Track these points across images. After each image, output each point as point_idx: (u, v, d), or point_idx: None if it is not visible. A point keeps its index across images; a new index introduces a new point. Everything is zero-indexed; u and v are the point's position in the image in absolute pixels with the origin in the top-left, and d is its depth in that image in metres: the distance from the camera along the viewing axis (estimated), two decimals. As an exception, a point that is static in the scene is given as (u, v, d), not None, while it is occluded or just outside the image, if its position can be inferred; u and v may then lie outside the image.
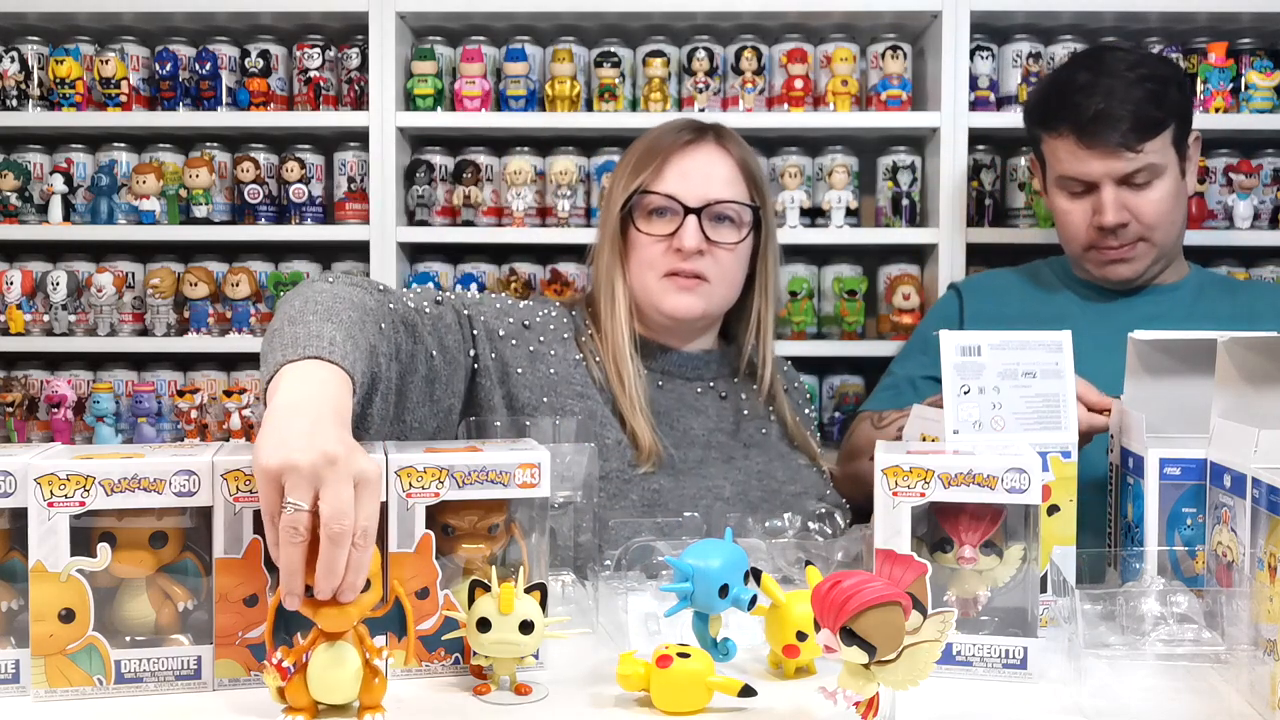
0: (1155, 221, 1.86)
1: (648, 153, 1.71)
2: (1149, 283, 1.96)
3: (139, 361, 2.59)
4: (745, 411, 1.76)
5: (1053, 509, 1.28)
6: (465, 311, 1.62)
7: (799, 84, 2.46)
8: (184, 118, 2.49)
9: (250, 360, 2.56)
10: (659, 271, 1.68)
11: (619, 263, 1.71)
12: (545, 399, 1.63)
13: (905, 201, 2.51)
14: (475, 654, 1.11)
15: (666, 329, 1.73)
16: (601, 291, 1.72)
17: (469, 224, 2.50)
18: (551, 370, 1.65)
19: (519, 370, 1.63)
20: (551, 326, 1.70)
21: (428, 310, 1.56)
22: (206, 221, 2.50)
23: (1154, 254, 1.90)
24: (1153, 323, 1.58)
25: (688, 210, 1.66)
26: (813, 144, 2.57)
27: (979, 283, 2.16)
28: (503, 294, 1.78)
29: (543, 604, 1.10)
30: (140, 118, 2.50)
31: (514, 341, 1.65)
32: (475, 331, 1.62)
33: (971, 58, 2.42)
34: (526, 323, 1.68)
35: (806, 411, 1.92)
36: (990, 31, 2.49)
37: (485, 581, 1.10)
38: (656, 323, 1.72)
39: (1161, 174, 1.85)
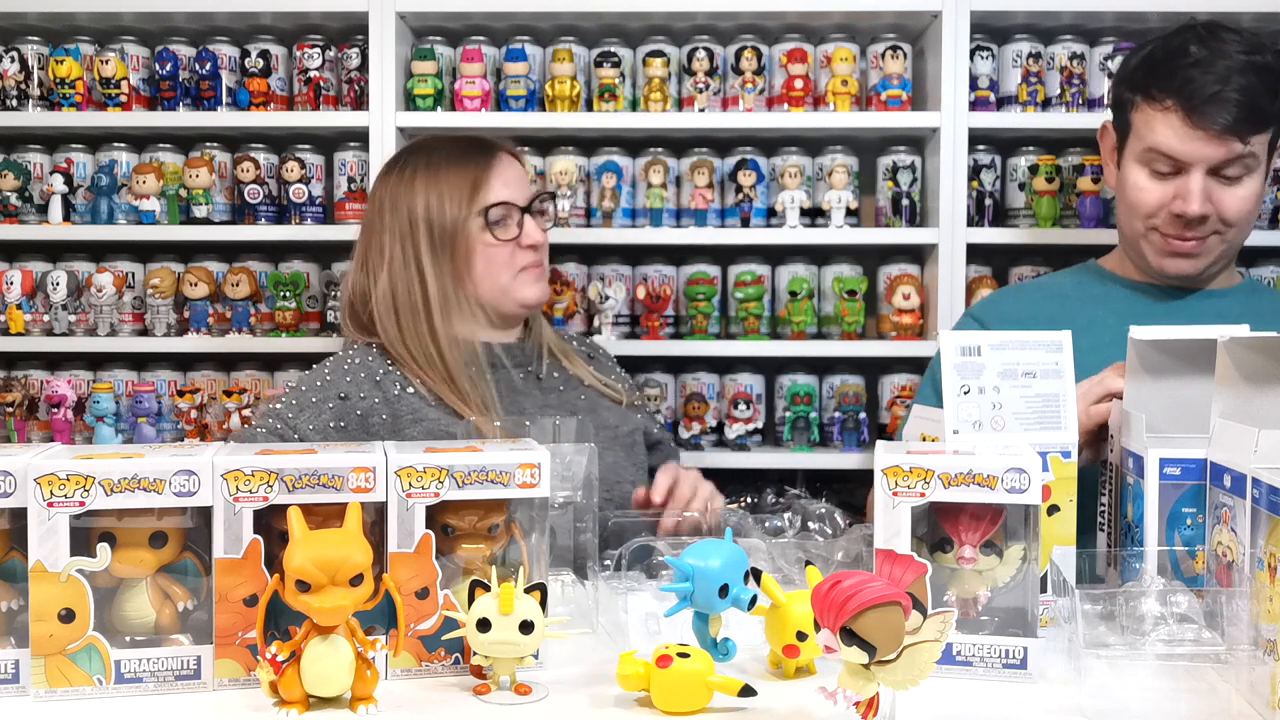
0: (1237, 219, 1.76)
1: (459, 179, 1.83)
2: (1201, 285, 1.86)
3: (139, 361, 2.59)
4: (561, 387, 1.92)
5: (1053, 509, 1.29)
6: (295, 434, 1.74)
7: (799, 84, 2.46)
8: (184, 118, 2.49)
9: (250, 360, 2.56)
10: (513, 270, 1.84)
11: (453, 281, 1.81)
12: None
13: (905, 201, 2.51)
14: (475, 654, 1.11)
15: (494, 325, 1.88)
16: (436, 312, 1.80)
17: (469, 224, 2.50)
18: (384, 415, 1.77)
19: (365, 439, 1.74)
20: (363, 375, 1.81)
21: None
22: (206, 221, 2.50)
23: (1220, 251, 1.79)
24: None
25: (523, 210, 1.85)
26: (813, 144, 2.57)
27: (997, 307, 2.02)
28: (304, 389, 1.80)
29: (543, 604, 1.10)
30: (140, 118, 2.50)
31: (341, 422, 1.76)
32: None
33: (971, 58, 2.42)
34: (343, 395, 1.78)
35: (619, 370, 2.10)
36: (990, 31, 2.49)
37: (485, 581, 1.10)
38: (504, 318, 1.88)
39: (1254, 170, 1.75)
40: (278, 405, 1.78)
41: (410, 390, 1.78)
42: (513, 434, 1.52)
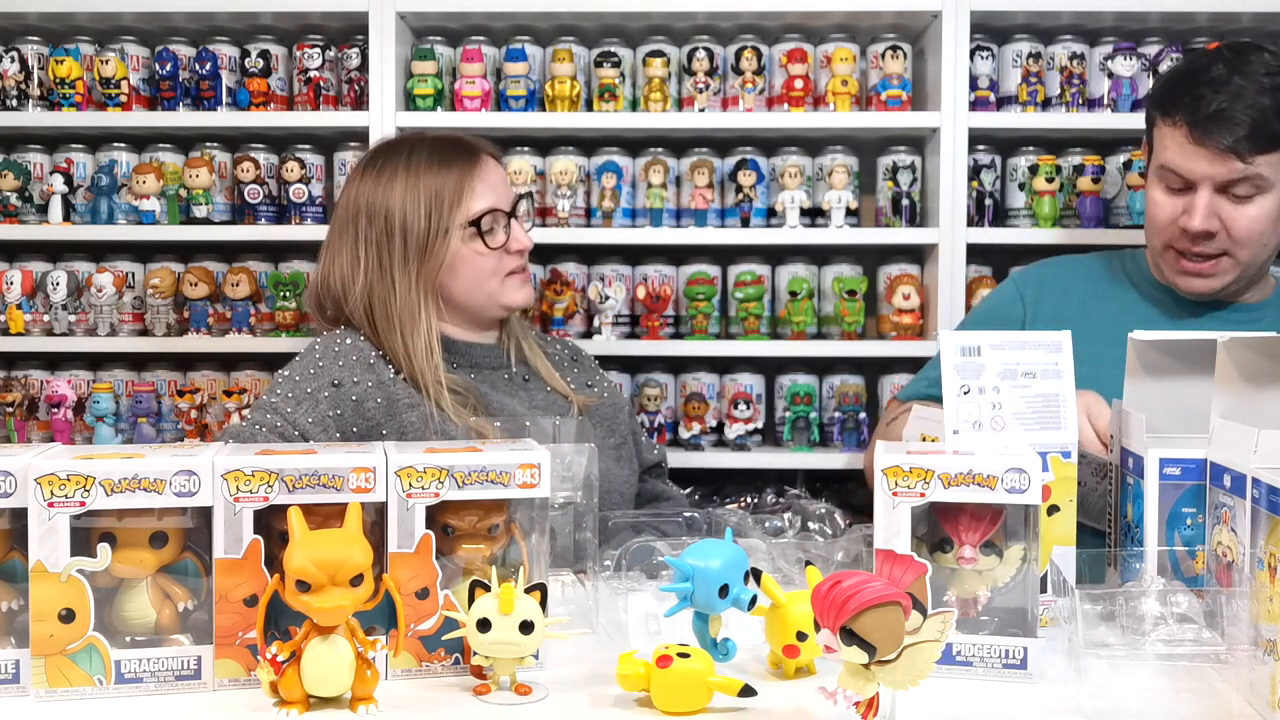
0: (1245, 238, 1.75)
1: (440, 186, 1.77)
2: (1229, 299, 1.86)
3: (139, 361, 2.59)
4: (548, 387, 1.90)
5: (1053, 509, 1.28)
6: (295, 431, 1.69)
7: (799, 84, 2.46)
8: (184, 118, 2.49)
9: (250, 360, 2.56)
10: (500, 276, 1.81)
11: (428, 290, 1.77)
12: (385, 431, 1.71)
13: (905, 201, 2.51)
14: (475, 654, 1.11)
15: (474, 326, 1.86)
16: (406, 323, 1.76)
17: (469, 224, 2.50)
18: (379, 399, 1.73)
19: (354, 429, 1.72)
20: (354, 358, 1.76)
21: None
22: (206, 221, 2.50)
23: (1236, 272, 1.79)
24: None
25: (508, 215, 1.81)
26: (813, 144, 2.57)
27: (1042, 277, 2.03)
28: (298, 378, 1.76)
29: (543, 604, 1.11)
30: (140, 118, 2.50)
31: (338, 411, 1.72)
32: (310, 440, 1.68)
33: (971, 58, 2.42)
34: (337, 381, 1.73)
35: (604, 376, 2.04)
36: (990, 31, 2.49)
37: (485, 581, 1.10)
38: (483, 320, 1.85)
39: (1267, 190, 1.73)
40: (274, 399, 1.73)
41: (402, 376, 1.75)
42: (509, 435, 1.52)
